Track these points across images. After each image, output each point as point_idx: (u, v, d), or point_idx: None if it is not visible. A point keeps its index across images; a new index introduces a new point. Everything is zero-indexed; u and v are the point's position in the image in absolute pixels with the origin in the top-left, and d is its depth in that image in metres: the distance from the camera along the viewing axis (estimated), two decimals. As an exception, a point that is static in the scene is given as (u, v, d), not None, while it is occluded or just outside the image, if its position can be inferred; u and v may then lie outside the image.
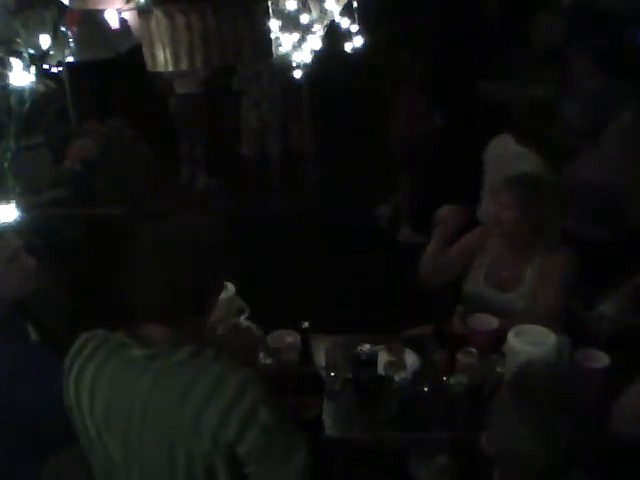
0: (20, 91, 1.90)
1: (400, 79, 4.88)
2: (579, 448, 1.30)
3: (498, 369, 2.02)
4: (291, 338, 2.20)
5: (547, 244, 2.36)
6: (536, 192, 2.34)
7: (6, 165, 1.96)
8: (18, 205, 1.93)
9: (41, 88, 2.03)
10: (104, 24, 3.16)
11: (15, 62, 1.91)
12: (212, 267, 1.39)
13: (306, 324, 2.12)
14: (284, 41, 3.13)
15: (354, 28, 3.61)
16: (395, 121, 4.98)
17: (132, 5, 2.38)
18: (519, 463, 1.30)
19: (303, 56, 3.35)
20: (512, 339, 1.89)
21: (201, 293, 1.37)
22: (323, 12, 3.29)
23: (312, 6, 3.21)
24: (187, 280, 1.33)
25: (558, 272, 2.31)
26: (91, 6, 2.45)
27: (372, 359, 2.07)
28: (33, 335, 1.88)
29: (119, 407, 1.35)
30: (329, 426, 1.97)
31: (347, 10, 3.48)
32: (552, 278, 2.31)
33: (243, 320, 2.06)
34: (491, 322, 2.22)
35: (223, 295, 2.24)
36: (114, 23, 3.07)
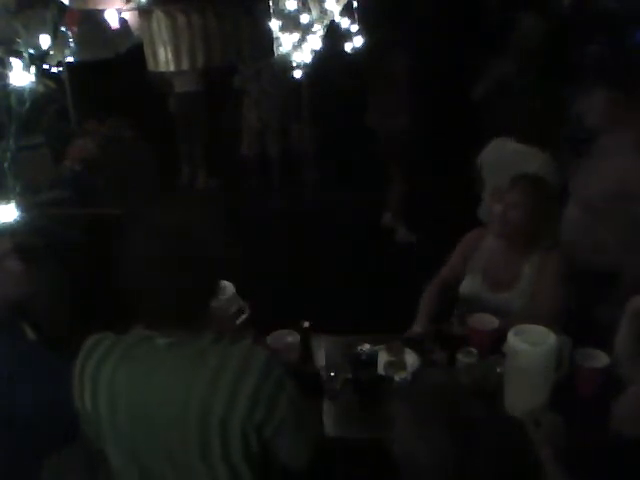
0: (20, 91, 1.90)
1: (386, 77, 4.87)
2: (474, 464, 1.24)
3: (498, 369, 2.02)
4: (291, 338, 2.20)
5: (546, 242, 2.37)
6: (543, 191, 2.35)
7: (6, 165, 1.96)
8: (18, 205, 1.93)
9: (41, 88, 2.03)
10: (104, 24, 3.17)
11: (15, 62, 1.91)
12: (213, 265, 1.39)
13: (306, 324, 2.12)
14: (284, 41, 3.13)
15: (354, 28, 3.61)
16: (375, 119, 4.97)
17: (132, 5, 2.38)
18: (415, 469, 1.27)
19: (303, 56, 3.35)
20: (512, 339, 1.89)
21: (203, 293, 1.38)
22: (323, 12, 3.29)
23: (312, 6, 3.21)
24: (193, 281, 1.33)
25: (556, 270, 2.32)
26: (91, 6, 2.46)
27: (372, 359, 2.07)
28: (30, 335, 1.88)
29: (145, 398, 1.35)
30: (329, 426, 1.97)
31: (347, 10, 3.48)
32: (551, 277, 2.31)
33: None
34: (491, 322, 2.23)
35: (223, 295, 2.24)
36: (114, 23, 3.07)
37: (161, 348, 1.36)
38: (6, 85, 1.91)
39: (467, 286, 2.49)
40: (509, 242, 2.41)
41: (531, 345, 1.86)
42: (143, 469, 1.43)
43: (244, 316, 2.26)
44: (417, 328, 2.37)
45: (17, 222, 1.92)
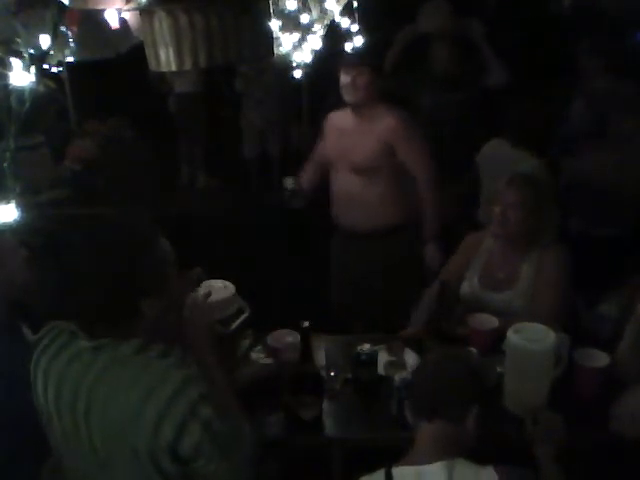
0: (20, 91, 1.90)
1: None
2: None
3: (498, 368, 2.03)
4: (291, 338, 2.20)
5: (544, 242, 2.37)
6: (539, 189, 2.36)
7: (6, 165, 1.96)
8: (18, 205, 1.93)
9: (41, 88, 2.02)
10: (104, 24, 3.16)
11: (15, 62, 1.91)
12: (135, 268, 1.35)
13: (306, 324, 2.12)
14: (284, 41, 3.13)
15: (354, 28, 3.61)
16: None
17: (132, 5, 2.37)
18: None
19: (303, 56, 3.35)
20: (512, 336, 1.90)
21: (126, 295, 1.34)
22: (323, 12, 3.29)
23: (312, 6, 3.21)
24: (105, 281, 1.32)
25: (555, 269, 2.32)
26: (91, 6, 2.45)
27: (372, 359, 2.07)
28: (29, 336, 1.88)
29: (67, 397, 1.36)
30: (329, 426, 1.98)
31: (347, 10, 3.48)
32: (550, 276, 2.31)
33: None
34: (491, 322, 2.23)
35: (223, 295, 2.24)
36: (114, 23, 3.06)
37: (84, 351, 1.36)
38: (6, 85, 1.91)
39: (466, 287, 2.49)
40: (507, 242, 2.41)
41: (530, 342, 1.87)
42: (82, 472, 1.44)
43: (244, 316, 2.26)
44: (412, 329, 2.38)
45: (17, 222, 1.92)
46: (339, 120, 3.09)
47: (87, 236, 1.38)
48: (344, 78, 2.88)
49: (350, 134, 2.99)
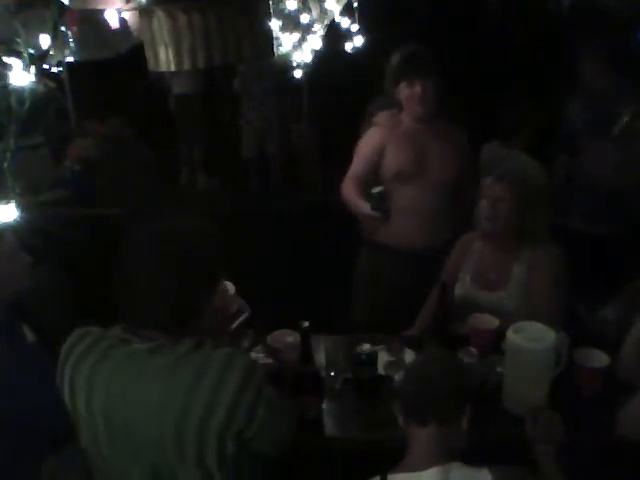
0: (20, 91, 1.90)
1: None
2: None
3: (498, 369, 2.03)
4: (291, 338, 2.20)
5: (535, 241, 2.36)
6: (526, 185, 2.34)
7: (6, 165, 1.96)
8: (18, 205, 1.93)
9: (41, 88, 2.03)
10: (104, 24, 3.16)
11: (15, 62, 1.91)
12: (202, 272, 1.37)
13: (306, 324, 2.12)
14: (284, 41, 3.14)
15: (354, 28, 3.61)
16: None
17: (132, 5, 2.38)
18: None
19: (303, 56, 3.35)
20: (512, 336, 1.90)
21: (190, 299, 1.36)
22: (323, 12, 3.30)
23: (312, 6, 3.22)
24: (173, 286, 1.32)
25: (548, 269, 2.31)
26: (91, 6, 2.46)
27: (372, 359, 2.07)
28: (29, 336, 1.88)
29: (121, 403, 1.34)
30: (329, 426, 1.97)
31: (347, 10, 3.49)
32: (545, 276, 2.31)
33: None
34: (491, 322, 2.23)
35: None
36: (114, 23, 3.07)
37: (138, 353, 1.35)
38: (6, 85, 1.91)
39: (459, 287, 2.49)
40: (497, 241, 2.41)
41: (530, 342, 1.87)
42: (121, 472, 1.42)
43: (244, 316, 2.26)
44: (413, 331, 2.39)
45: (17, 222, 1.92)
46: (402, 133, 2.84)
47: (170, 240, 1.37)
48: (412, 91, 2.71)
49: (428, 147, 2.79)
